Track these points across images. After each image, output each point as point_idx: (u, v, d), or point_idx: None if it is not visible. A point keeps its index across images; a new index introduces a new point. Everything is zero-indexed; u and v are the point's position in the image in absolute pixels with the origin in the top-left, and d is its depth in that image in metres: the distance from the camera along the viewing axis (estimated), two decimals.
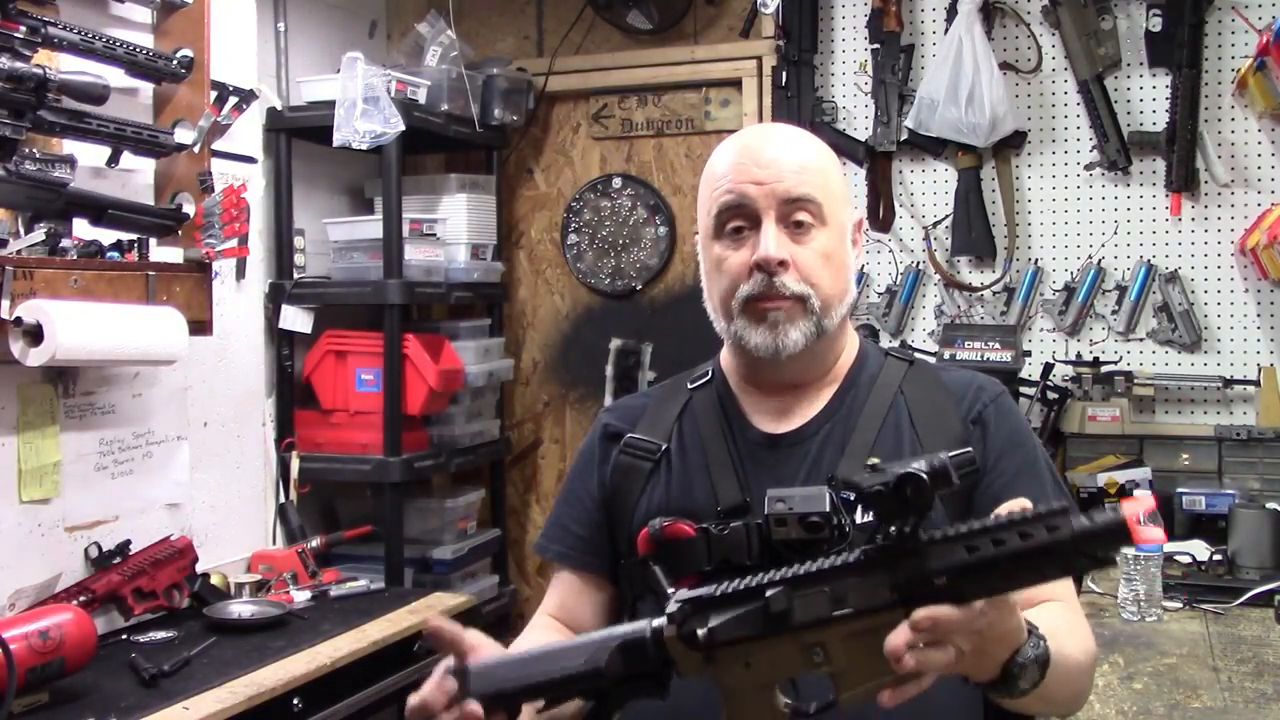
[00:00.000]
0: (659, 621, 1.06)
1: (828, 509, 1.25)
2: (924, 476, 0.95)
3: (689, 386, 1.52)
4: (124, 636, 2.43)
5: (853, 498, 1.06)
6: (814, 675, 1.02)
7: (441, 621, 1.15)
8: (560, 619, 1.52)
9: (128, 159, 2.48)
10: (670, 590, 1.16)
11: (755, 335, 1.38)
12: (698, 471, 1.43)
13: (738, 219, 1.38)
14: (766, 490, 1.28)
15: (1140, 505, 0.93)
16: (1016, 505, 0.99)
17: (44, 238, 2.27)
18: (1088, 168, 3.19)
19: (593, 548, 1.50)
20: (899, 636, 0.96)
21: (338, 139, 2.99)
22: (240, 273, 2.96)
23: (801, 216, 1.37)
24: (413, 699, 1.11)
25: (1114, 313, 3.17)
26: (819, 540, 1.27)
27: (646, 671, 1.07)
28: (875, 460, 0.99)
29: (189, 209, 2.57)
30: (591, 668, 1.08)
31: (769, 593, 1.01)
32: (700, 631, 1.03)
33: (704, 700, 1.21)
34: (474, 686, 1.10)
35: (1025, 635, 1.08)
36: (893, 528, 0.97)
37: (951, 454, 0.98)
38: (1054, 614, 1.26)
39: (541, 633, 1.48)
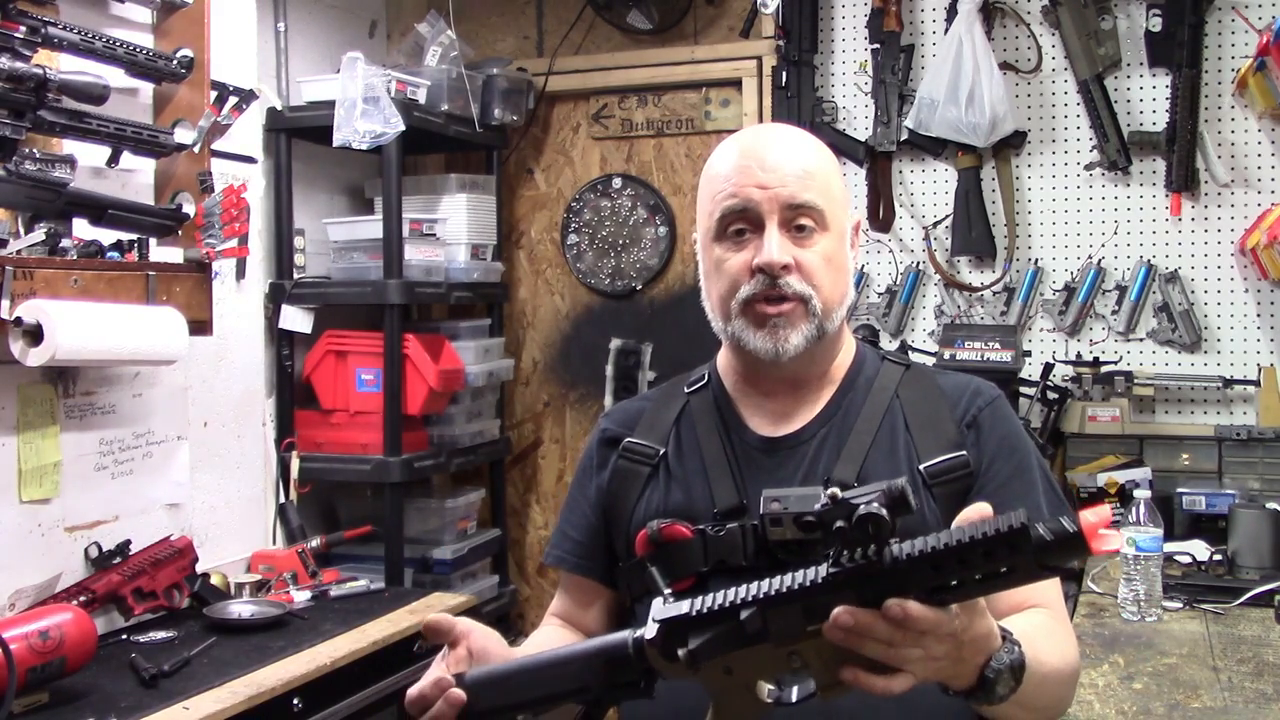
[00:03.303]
0: (641, 631, 1.08)
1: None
2: (884, 516, 0.96)
3: (686, 390, 1.52)
4: (124, 636, 2.43)
5: (816, 523, 1.08)
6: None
7: (439, 616, 1.21)
8: (567, 621, 1.53)
9: (128, 159, 2.48)
10: (665, 590, 1.17)
11: (755, 338, 1.38)
12: (695, 475, 1.43)
13: (740, 222, 1.38)
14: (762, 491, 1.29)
15: (1098, 515, 0.95)
16: (975, 514, 0.99)
17: (44, 238, 2.27)
18: (1088, 168, 3.19)
19: (590, 552, 1.51)
20: (846, 615, 0.96)
21: (338, 139, 2.99)
22: (240, 273, 2.96)
23: (804, 222, 1.37)
24: (411, 691, 1.16)
25: (1114, 313, 3.17)
26: (814, 540, 1.27)
27: (631, 680, 1.10)
28: (836, 491, 1.00)
29: (189, 209, 2.57)
30: (577, 686, 1.12)
31: (743, 614, 1.03)
32: (681, 653, 1.05)
33: (700, 700, 1.21)
34: (468, 701, 1.13)
35: (999, 641, 1.08)
36: (857, 553, 0.98)
37: (913, 476, 0.99)
38: (1033, 621, 1.27)
39: (544, 636, 1.49)
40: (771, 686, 1.06)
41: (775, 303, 1.36)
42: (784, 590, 1.02)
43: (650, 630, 1.07)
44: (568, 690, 1.12)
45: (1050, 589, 1.36)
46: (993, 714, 1.23)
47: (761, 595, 1.03)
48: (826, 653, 1.01)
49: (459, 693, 1.12)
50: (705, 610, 1.05)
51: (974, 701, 1.12)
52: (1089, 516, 0.92)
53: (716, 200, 1.40)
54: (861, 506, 0.96)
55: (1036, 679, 1.15)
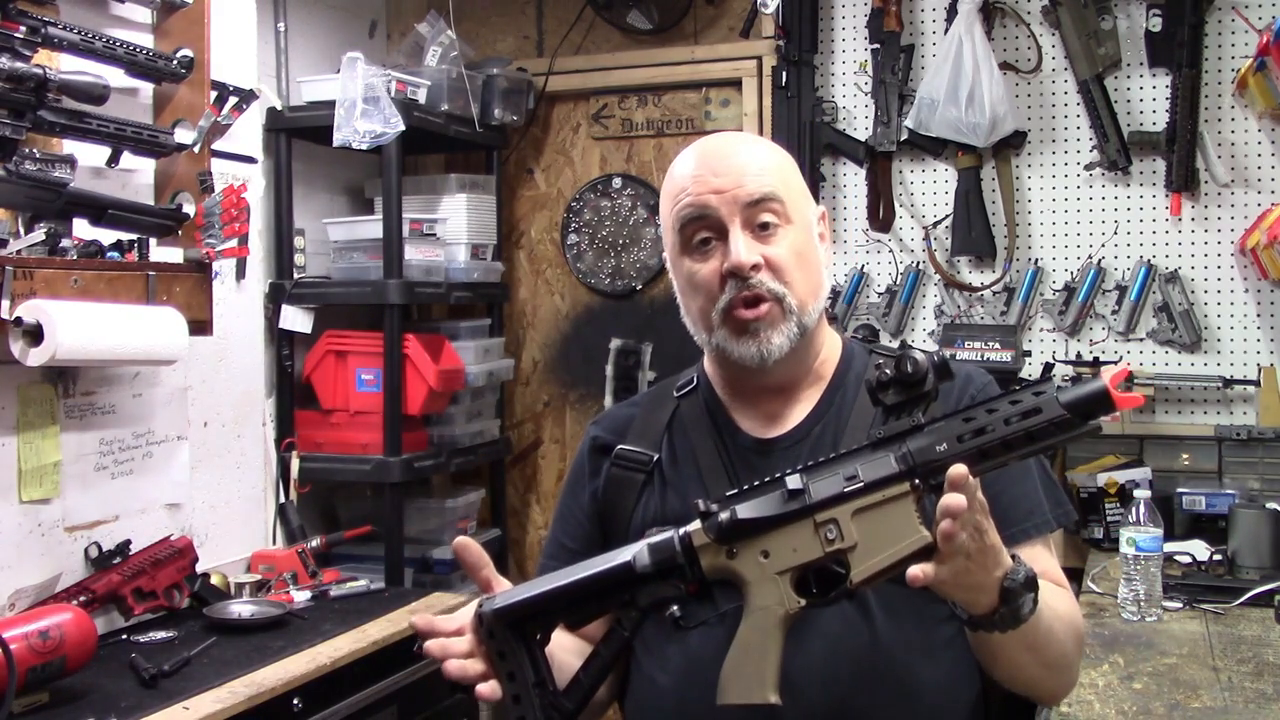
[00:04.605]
0: (685, 528, 1.17)
1: None
2: (919, 358, 1.10)
3: (675, 395, 1.51)
4: (124, 636, 2.43)
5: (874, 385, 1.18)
6: (827, 564, 1.12)
7: (471, 542, 1.23)
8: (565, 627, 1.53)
9: (128, 159, 2.48)
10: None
11: (739, 347, 1.38)
12: (691, 480, 1.42)
13: (703, 230, 1.38)
14: None
15: (1117, 370, 1.03)
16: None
17: (44, 238, 2.27)
18: (1088, 168, 3.19)
19: None
20: (956, 498, 1.05)
21: (338, 139, 2.99)
22: (240, 273, 2.96)
23: (766, 218, 1.37)
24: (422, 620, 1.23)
25: (1114, 313, 3.17)
26: None
27: (674, 570, 1.16)
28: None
29: (189, 209, 2.57)
30: (622, 564, 1.16)
31: (787, 476, 1.13)
32: (723, 516, 1.13)
33: (703, 699, 1.21)
34: (499, 604, 1.18)
35: (1009, 559, 1.14)
36: (894, 418, 1.12)
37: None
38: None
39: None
40: (800, 600, 1.12)
41: (752, 305, 1.36)
42: (824, 459, 1.14)
43: (695, 520, 1.16)
44: (611, 569, 1.16)
45: (1051, 565, 1.37)
46: (1010, 669, 1.25)
47: (803, 466, 1.14)
48: (861, 520, 1.10)
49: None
50: (749, 486, 1.16)
51: (1001, 627, 1.14)
52: (1109, 371, 1.06)
53: (676, 212, 1.40)
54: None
55: (1048, 615, 1.19)
